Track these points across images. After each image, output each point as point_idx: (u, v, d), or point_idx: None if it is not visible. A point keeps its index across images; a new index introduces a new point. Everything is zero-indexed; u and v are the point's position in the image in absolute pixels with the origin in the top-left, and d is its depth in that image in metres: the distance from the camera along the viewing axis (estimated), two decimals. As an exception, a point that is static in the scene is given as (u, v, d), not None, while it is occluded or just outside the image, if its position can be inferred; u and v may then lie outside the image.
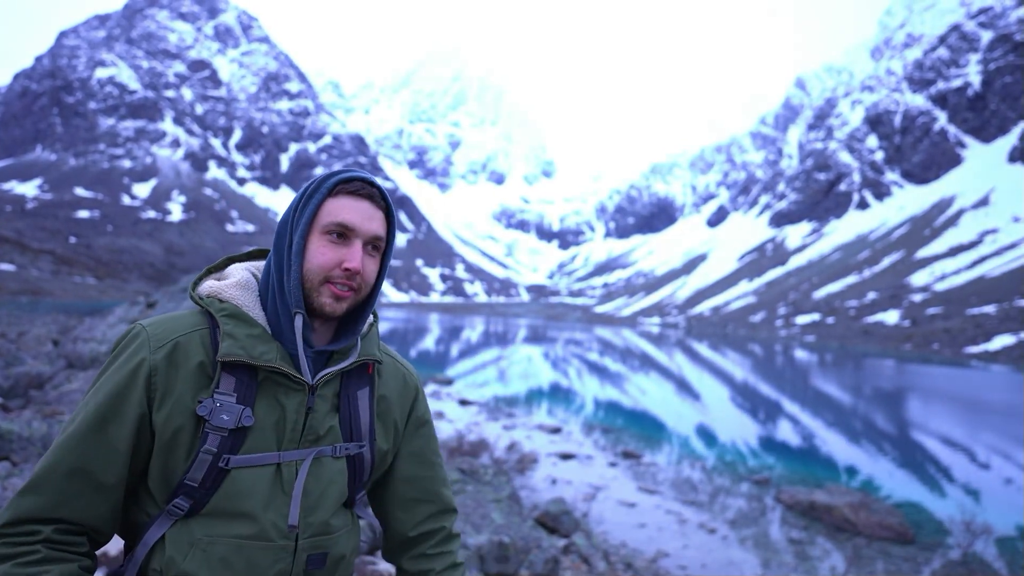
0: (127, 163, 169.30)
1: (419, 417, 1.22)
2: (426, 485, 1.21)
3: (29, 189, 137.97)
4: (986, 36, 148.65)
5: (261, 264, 1.15)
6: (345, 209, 1.04)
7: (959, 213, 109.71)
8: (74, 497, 0.91)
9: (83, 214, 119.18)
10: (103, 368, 0.98)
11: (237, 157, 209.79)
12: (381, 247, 1.09)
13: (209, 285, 1.06)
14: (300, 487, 1.01)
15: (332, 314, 1.05)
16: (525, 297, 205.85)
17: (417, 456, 1.21)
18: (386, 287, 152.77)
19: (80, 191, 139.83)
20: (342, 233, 1.04)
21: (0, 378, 8.24)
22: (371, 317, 1.16)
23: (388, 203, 1.09)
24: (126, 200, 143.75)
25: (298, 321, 1.01)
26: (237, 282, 1.06)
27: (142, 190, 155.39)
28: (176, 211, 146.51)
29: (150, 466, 0.96)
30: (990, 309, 59.07)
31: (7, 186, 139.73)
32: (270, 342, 1.01)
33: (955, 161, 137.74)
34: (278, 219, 1.10)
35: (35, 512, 0.89)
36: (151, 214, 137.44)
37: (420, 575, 1.19)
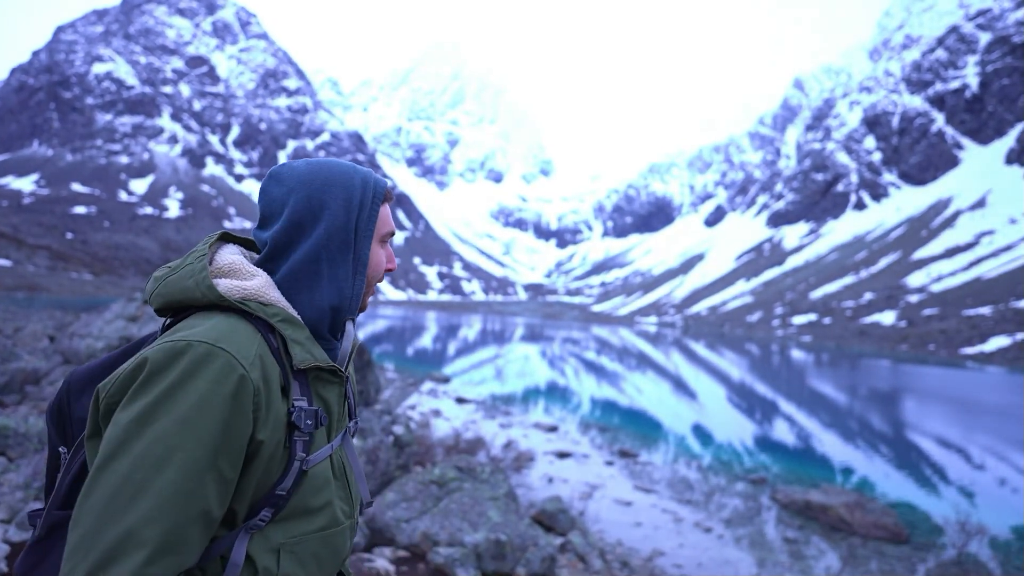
0: (124, 159, 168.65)
1: None
2: None
3: (26, 184, 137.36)
4: (984, 38, 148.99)
5: (242, 252, 1.12)
6: (390, 216, 1.12)
7: (956, 214, 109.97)
8: (201, 541, 0.87)
9: (80, 210, 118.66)
10: (162, 394, 0.85)
11: (235, 154, 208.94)
12: None
13: (237, 285, 1.00)
14: (360, 466, 1.12)
15: (364, 310, 1.13)
16: (523, 296, 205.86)
17: None
18: (384, 285, 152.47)
19: (77, 187, 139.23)
20: (387, 239, 1.13)
21: (-4, 374, 8.21)
22: None
23: None
24: (123, 196, 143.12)
25: (350, 326, 1.07)
26: (268, 282, 1.03)
27: (139, 186, 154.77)
28: (173, 207, 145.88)
29: (241, 485, 0.93)
30: (986, 310, 59.25)
31: (3, 181, 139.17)
32: (317, 343, 1.04)
33: (952, 163, 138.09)
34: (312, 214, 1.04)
35: (172, 573, 0.83)
36: (148, 210, 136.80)
37: None
